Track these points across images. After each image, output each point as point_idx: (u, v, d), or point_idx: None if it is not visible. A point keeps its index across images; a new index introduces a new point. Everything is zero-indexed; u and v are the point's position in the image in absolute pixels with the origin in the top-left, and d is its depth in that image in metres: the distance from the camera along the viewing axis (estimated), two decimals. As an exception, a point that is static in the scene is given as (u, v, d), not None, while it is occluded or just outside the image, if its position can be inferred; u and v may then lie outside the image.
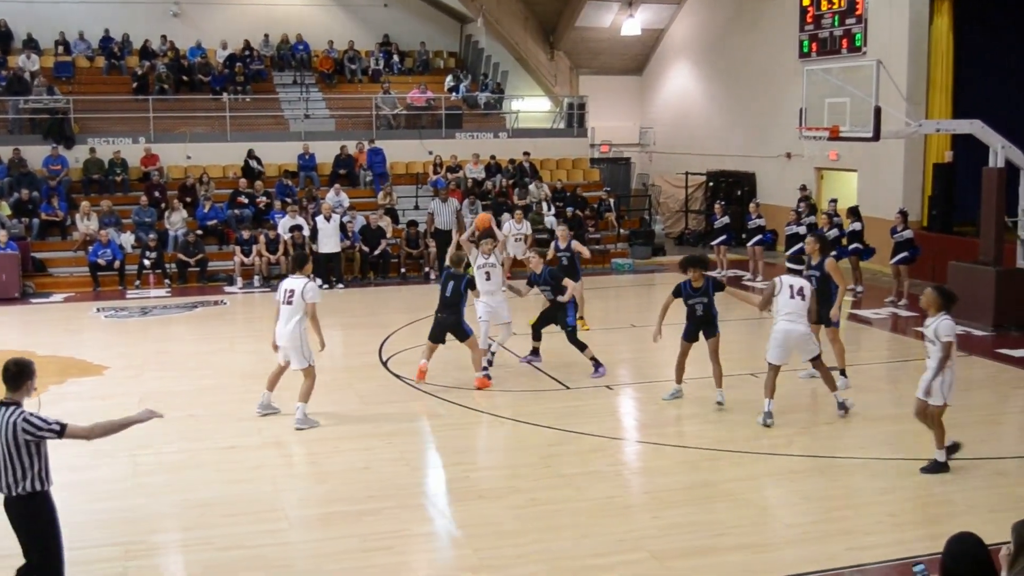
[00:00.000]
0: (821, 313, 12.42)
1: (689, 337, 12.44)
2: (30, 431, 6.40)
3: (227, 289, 21.79)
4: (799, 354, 11.86)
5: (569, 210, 25.26)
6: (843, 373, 13.01)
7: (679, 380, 12.60)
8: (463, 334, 13.27)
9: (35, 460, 6.49)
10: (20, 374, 6.61)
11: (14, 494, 6.52)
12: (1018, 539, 5.49)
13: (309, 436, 11.26)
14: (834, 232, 19.96)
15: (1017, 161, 17.02)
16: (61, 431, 6.45)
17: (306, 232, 22.23)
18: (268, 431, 11.48)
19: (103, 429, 6.67)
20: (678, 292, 12.24)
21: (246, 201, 24.12)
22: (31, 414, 6.48)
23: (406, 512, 9.16)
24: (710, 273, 13.09)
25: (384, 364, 14.78)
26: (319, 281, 21.49)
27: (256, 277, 22.14)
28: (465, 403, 12.67)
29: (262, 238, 22.32)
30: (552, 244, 17.41)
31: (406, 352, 15.22)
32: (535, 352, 14.61)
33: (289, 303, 11.45)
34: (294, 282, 11.58)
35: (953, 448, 9.93)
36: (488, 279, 14.03)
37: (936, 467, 9.85)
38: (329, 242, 22.07)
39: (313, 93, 29.81)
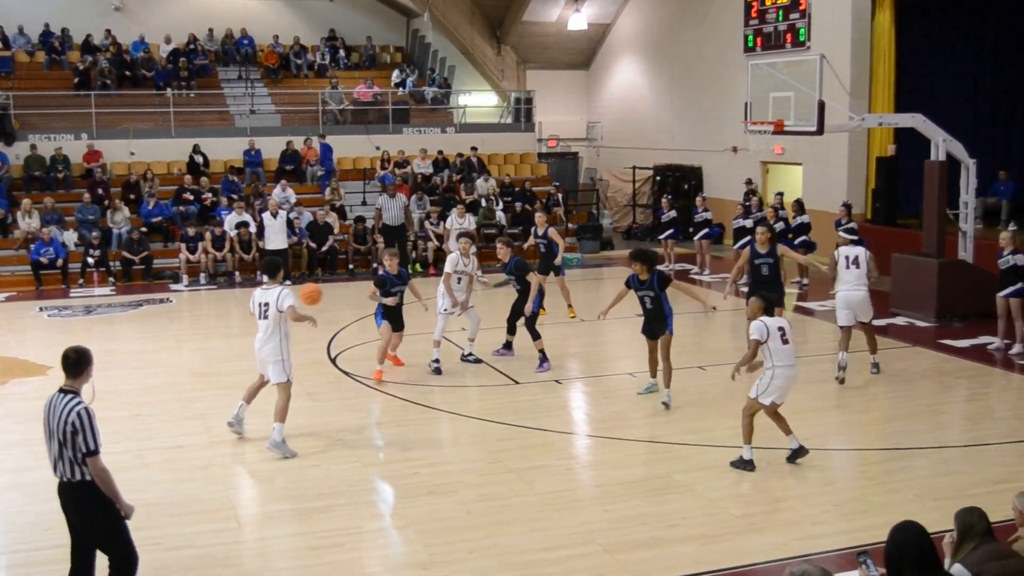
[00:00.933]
0: (774, 297, 12.57)
1: (645, 332, 12.47)
2: (76, 427, 6.41)
3: (173, 287, 21.56)
4: (860, 316, 13.18)
5: (517, 204, 25.31)
6: None
7: (653, 374, 12.61)
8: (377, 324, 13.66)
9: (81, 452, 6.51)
10: (80, 361, 6.66)
11: (65, 480, 6.58)
12: (961, 527, 5.61)
13: (257, 434, 11.04)
14: (780, 225, 20.17)
15: (958, 154, 17.29)
16: (90, 452, 6.45)
17: (252, 229, 22.08)
18: (216, 430, 11.34)
19: (108, 485, 6.61)
20: (629, 283, 12.41)
21: (191, 198, 23.88)
22: (87, 411, 6.47)
23: (356, 509, 9.14)
24: (662, 268, 13.19)
25: (332, 361, 14.70)
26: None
27: (202, 274, 21.94)
28: (414, 399, 12.65)
29: (208, 235, 22.11)
30: (532, 231, 17.48)
31: (355, 348, 15.17)
32: (508, 346, 14.66)
33: (265, 317, 10.42)
34: (266, 293, 10.46)
35: (800, 452, 10.01)
36: (459, 282, 14.15)
37: (742, 463, 9.92)
38: (276, 239, 21.87)
39: (258, 88, 29.59)
